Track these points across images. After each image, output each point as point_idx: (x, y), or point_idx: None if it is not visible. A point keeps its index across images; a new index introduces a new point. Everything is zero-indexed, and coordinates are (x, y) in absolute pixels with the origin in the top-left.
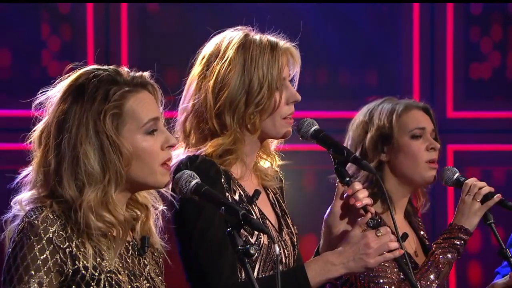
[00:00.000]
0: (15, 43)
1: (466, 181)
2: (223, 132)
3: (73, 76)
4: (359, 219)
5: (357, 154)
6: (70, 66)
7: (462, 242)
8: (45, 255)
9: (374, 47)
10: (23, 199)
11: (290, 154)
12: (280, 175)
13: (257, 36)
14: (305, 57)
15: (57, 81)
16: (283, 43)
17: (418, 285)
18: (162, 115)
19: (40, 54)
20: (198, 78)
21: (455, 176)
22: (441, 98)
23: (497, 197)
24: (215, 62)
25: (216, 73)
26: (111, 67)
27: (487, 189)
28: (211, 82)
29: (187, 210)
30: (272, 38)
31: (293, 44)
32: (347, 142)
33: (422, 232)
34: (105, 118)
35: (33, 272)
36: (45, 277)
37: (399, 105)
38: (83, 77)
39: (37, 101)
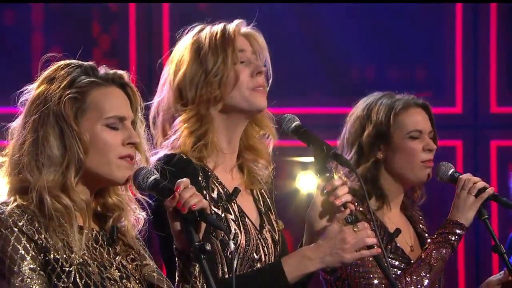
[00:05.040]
0: (66, 41)
1: (461, 176)
2: (185, 110)
3: (53, 67)
4: (337, 214)
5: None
6: (45, 57)
7: (456, 237)
8: (23, 244)
9: (419, 45)
10: None
11: None
12: (271, 178)
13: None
14: (352, 54)
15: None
16: (239, 21)
17: (409, 280)
18: (135, 118)
19: (91, 52)
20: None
21: (450, 172)
22: (485, 93)
23: (491, 189)
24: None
25: (176, 59)
26: (90, 63)
27: (481, 184)
28: (173, 66)
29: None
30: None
31: (251, 26)
32: (344, 135)
33: (421, 226)
34: (64, 102)
35: (20, 262)
36: (32, 262)
37: (398, 103)
38: (59, 67)
39: (22, 98)
